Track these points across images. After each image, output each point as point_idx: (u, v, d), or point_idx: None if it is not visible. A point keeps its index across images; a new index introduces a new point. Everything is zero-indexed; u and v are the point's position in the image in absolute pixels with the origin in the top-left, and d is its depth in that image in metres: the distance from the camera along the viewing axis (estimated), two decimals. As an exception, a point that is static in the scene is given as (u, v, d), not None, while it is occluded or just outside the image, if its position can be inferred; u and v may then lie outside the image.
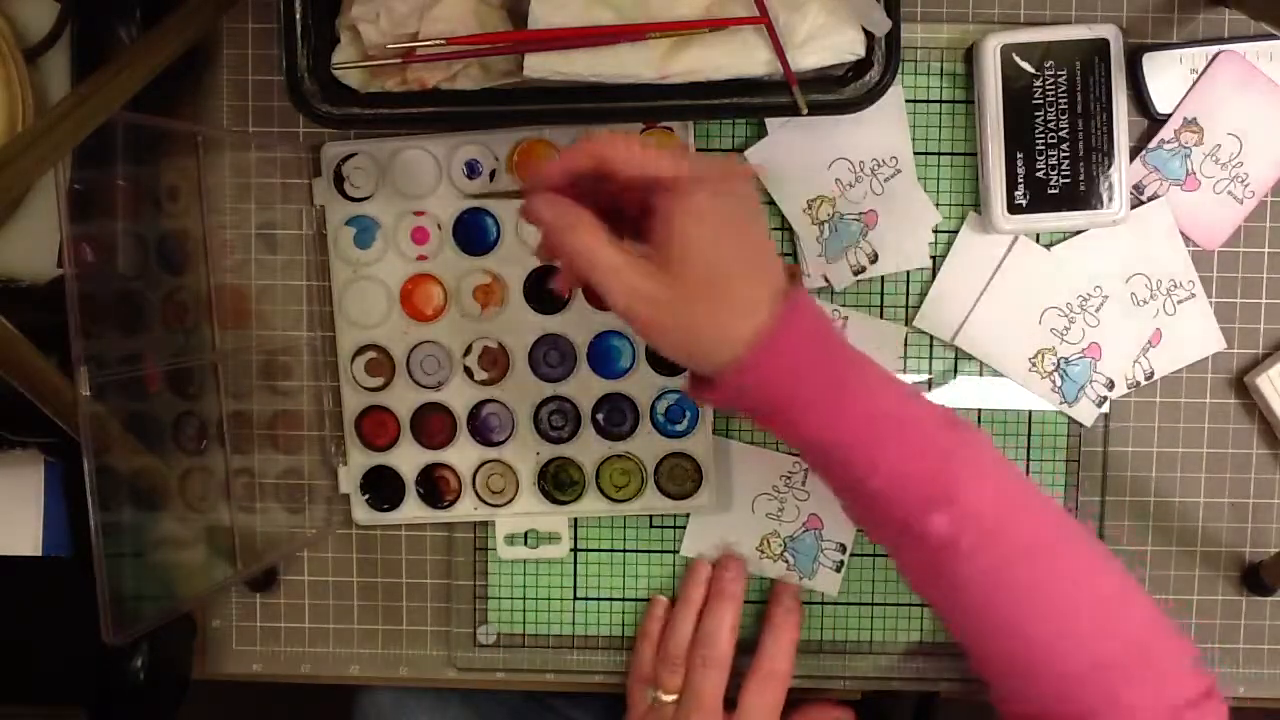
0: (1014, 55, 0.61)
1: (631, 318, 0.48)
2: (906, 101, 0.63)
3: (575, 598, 0.67)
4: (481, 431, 0.65)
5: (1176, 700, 0.49)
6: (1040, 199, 0.61)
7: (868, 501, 0.51)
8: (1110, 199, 0.61)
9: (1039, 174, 0.61)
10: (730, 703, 0.62)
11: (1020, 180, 0.61)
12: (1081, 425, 0.64)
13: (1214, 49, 0.62)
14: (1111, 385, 0.64)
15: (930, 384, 0.65)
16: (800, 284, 0.50)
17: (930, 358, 0.65)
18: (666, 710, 0.62)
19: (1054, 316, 0.64)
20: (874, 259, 0.64)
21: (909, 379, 0.65)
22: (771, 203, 0.63)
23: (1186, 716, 0.49)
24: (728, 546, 0.65)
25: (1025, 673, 0.52)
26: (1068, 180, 0.61)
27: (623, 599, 0.66)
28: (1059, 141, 0.61)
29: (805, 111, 0.57)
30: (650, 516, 0.66)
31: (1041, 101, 0.61)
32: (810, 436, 0.50)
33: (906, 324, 0.64)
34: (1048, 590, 0.50)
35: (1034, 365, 0.64)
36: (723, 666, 0.62)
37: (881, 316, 0.64)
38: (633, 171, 0.47)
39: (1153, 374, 0.64)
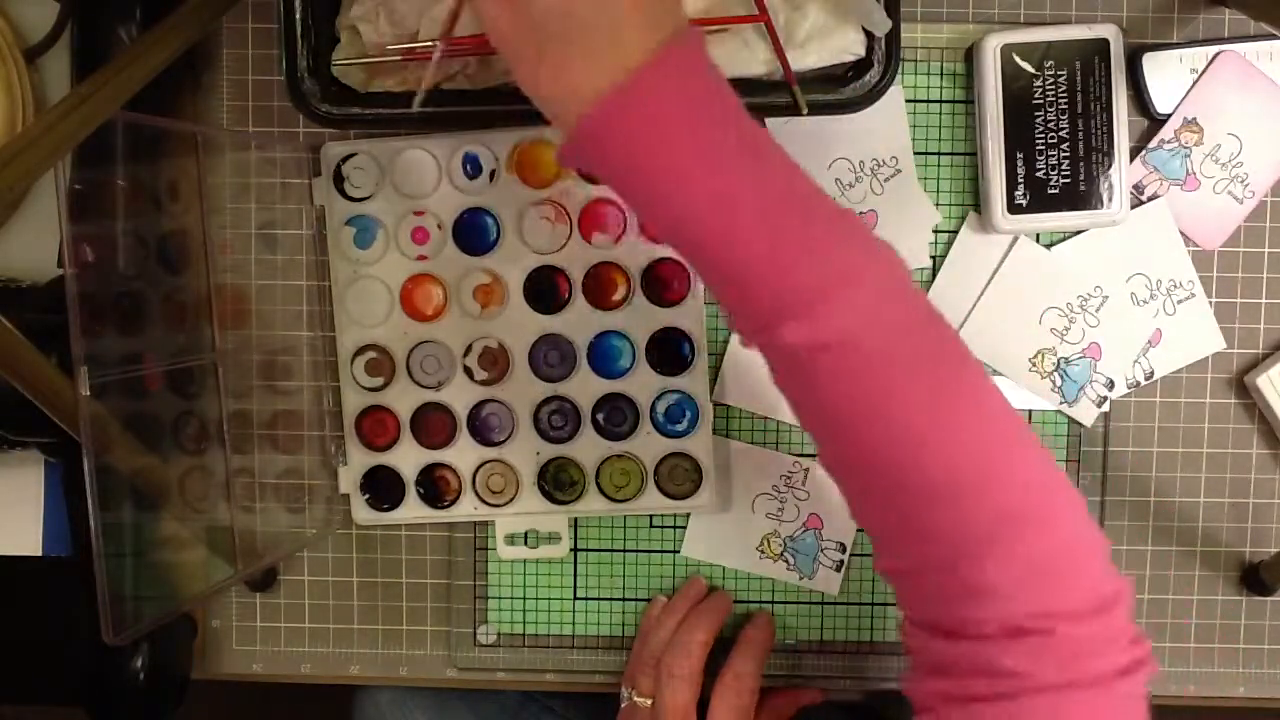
0: (1014, 55, 0.61)
1: (490, 35, 0.44)
2: (906, 101, 0.63)
3: (575, 598, 0.67)
4: (481, 431, 0.65)
5: (1072, 605, 0.42)
6: (1040, 199, 0.61)
7: (727, 297, 0.45)
8: (1110, 199, 0.61)
9: (1039, 174, 0.61)
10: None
11: (1020, 180, 0.61)
12: (1081, 425, 0.64)
13: (1214, 49, 0.62)
14: (1111, 385, 0.64)
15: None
16: (695, 38, 0.43)
17: (930, 358, 0.65)
18: (643, 714, 0.62)
19: (1054, 316, 0.64)
20: (874, 259, 0.63)
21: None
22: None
23: (1070, 628, 0.42)
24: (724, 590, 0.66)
25: (895, 523, 0.44)
26: (1068, 180, 0.61)
27: (623, 599, 0.66)
28: (1059, 141, 0.61)
29: (805, 111, 0.57)
30: (650, 516, 0.66)
31: (1041, 101, 0.61)
32: (671, 214, 0.43)
33: (906, 324, 0.64)
34: (921, 425, 0.42)
35: (1034, 365, 0.64)
36: (691, 681, 0.60)
37: (881, 316, 0.64)
38: None
39: (1153, 374, 0.64)
